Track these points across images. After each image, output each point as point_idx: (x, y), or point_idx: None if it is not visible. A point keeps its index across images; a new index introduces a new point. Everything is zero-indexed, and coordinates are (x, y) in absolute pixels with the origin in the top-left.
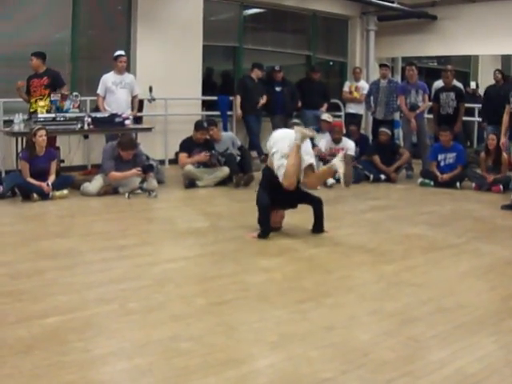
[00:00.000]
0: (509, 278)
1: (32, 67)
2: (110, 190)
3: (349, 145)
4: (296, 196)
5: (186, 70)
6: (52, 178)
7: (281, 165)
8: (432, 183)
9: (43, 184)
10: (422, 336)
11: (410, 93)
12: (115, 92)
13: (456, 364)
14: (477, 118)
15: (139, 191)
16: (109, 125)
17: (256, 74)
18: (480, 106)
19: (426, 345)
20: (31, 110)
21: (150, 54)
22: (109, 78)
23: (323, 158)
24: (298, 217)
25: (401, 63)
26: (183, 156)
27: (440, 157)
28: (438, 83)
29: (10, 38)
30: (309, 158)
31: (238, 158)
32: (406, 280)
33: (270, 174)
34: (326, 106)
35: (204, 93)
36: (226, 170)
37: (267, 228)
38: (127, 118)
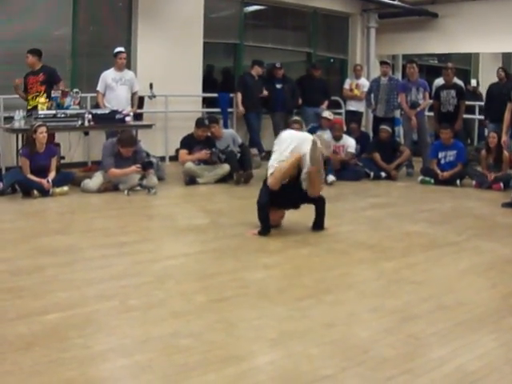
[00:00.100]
0: (509, 275)
1: (28, 64)
2: (111, 186)
3: (349, 142)
4: (299, 196)
5: (187, 66)
6: (52, 175)
7: (271, 165)
8: (432, 181)
9: (43, 181)
10: (422, 333)
11: (410, 90)
12: (115, 89)
13: (456, 362)
14: (477, 116)
15: (138, 188)
16: (109, 121)
17: (256, 71)
18: (480, 103)
19: (426, 342)
20: (28, 107)
21: (151, 50)
22: (109, 75)
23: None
24: (299, 214)
25: (401, 61)
26: (183, 153)
27: (440, 154)
28: (439, 81)
29: (10, 35)
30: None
31: (238, 155)
32: (406, 277)
33: None
34: (326, 103)
35: (204, 90)
36: (226, 168)
37: (267, 225)
38: (128, 115)
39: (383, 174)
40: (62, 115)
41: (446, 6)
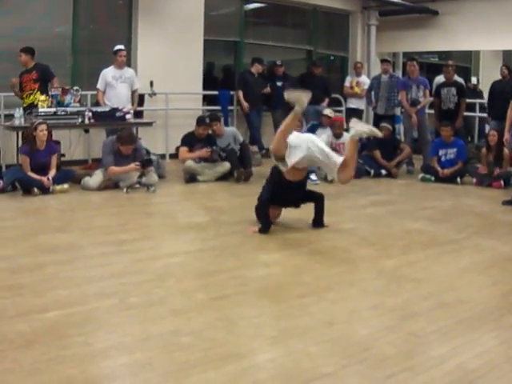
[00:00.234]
0: (509, 273)
1: (21, 63)
2: (111, 184)
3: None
4: (301, 195)
5: (187, 64)
6: (53, 173)
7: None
8: (433, 178)
9: (44, 178)
10: (422, 331)
11: (411, 88)
12: (115, 86)
13: (456, 359)
14: (478, 114)
15: (138, 186)
16: (110, 119)
17: (256, 68)
18: (481, 101)
19: (426, 340)
20: (24, 106)
21: (151, 48)
22: (109, 73)
23: None
24: (299, 211)
25: (402, 58)
26: (184, 150)
27: (441, 152)
28: (439, 78)
29: (10, 32)
30: (336, 157)
31: (238, 153)
32: (406, 275)
33: (277, 173)
34: (327, 100)
35: (205, 87)
36: (226, 165)
37: (267, 222)
38: (128, 113)
39: (384, 172)
40: (63, 113)
41: (446, 3)
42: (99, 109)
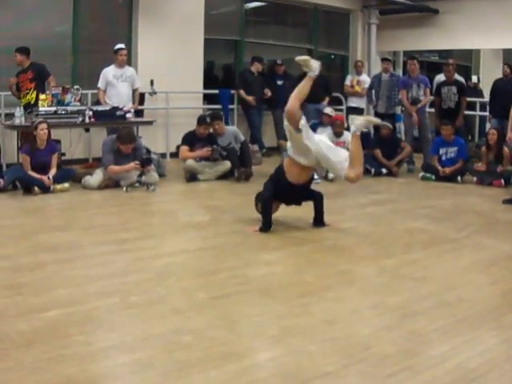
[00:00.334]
0: (510, 272)
1: (17, 63)
2: (112, 183)
3: (350, 139)
4: (302, 194)
5: (188, 63)
6: (53, 172)
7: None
8: (433, 177)
9: (44, 177)
10: (423, 330)
11: (411, 87)
12: (116, 85)
13: (457, 358)
14: (478, 112)
15: (137, 185)
16: (110, 118)
17: (256, 67)
18: (481, 100)
19: (427, 339)
20: (21, 105)
21: (152, 47)
22: (109, 72)
23: None
24: (300, 210)
25: (402, 57)
26: (184, 149)
27: (441, 151)
28: (440, 77)
29: (11, 31)
30: (342, 153)
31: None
32: (407, 274)
33: (281, 173)
34: (327, 99)
35: (205, 86)
36: (227, 165)
37: (268, 221)
38: (128, 112)
39: (384, 171)
40: (63, 112)
41: (446, 2)
42: (100, 108)
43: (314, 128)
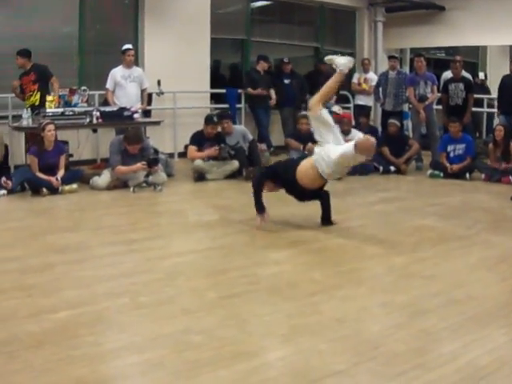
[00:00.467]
0: None
1: (19, 66)
2: (120, 184)
3: (358, 137)
4: (310, 193)
5: (194, 63)
6: (61, 173)
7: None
8: (441, 174)
9: (52, 178)
10: (432, 328)
11: (418, 84)
12: (125, 86)
13: (467, 356)
14: (486, 109)
15: (144, 185)
16: (117, 119)
17: (262, 66)
18: (489, 96)
19: (436, 337)
20: (26, 107)
21: (158, 47)
22: (117, 72)
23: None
24: (308, 209)
25: (409, 54)
26: (192, 149)
27: (449, 148)
28: (447, 74)
29: (17, 33)
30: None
31: (247, 151)
32: (416, 272)
33: (292, 178)
34: (335, 97)
35: (212, 86)
36: (235, 164)
37: (260, 203)
38: (136, 112)
39: (392, 168)
40: (70, 113)
41: None
42: (107, 108)
43: None
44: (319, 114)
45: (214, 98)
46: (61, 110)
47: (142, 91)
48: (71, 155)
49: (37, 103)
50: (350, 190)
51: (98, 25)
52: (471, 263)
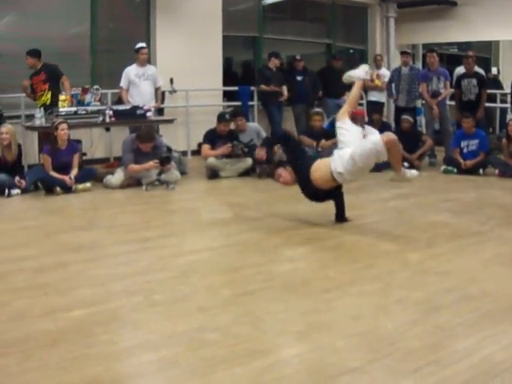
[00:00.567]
0: None
1: (29, 66)
2: (133, 182)
3: (371, 132)
4: (324, 194)
5: (207, 60)
6: (75, 172)
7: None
8: (455, 170)
9: (66, 177)
10: (447, 324)
11: (431, 80)
12: (139, 84)
13: (482, 352)
14: (499, 104)
15: (157, 183)
16: (130, 117)
17: (273, 63)
18: (502, 91)
19: (451, 333)
20: (38, 107)
21: (170, 45)
22: (131, 71)
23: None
24: (322, 207)
25: (421, 50)
26: (206, 147)
27: (463, 143)
28: (460, 69)
29: (29, 33)
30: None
31: None
32: (431, 268)
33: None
34: (347, 94)
35: (225, 83)
36: (248, 161)
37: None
38: (149, 110)
39: (406, 164)
40: (83, 112)
41: None
42: (120, 107)
43: (333, 122)
44: (346, 122)
45: (227, 95)
46: (74, 109)
47: (156, 89)
48: (84, 154)
49: (48, 102)
50: (363, 187)
51: (110, 24)
52: (485, 259)
